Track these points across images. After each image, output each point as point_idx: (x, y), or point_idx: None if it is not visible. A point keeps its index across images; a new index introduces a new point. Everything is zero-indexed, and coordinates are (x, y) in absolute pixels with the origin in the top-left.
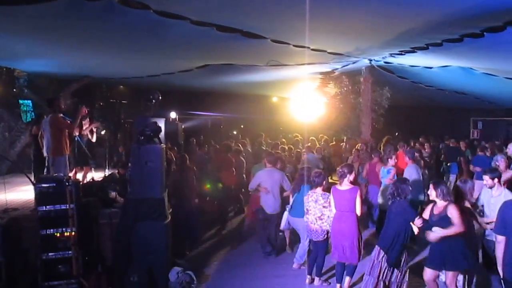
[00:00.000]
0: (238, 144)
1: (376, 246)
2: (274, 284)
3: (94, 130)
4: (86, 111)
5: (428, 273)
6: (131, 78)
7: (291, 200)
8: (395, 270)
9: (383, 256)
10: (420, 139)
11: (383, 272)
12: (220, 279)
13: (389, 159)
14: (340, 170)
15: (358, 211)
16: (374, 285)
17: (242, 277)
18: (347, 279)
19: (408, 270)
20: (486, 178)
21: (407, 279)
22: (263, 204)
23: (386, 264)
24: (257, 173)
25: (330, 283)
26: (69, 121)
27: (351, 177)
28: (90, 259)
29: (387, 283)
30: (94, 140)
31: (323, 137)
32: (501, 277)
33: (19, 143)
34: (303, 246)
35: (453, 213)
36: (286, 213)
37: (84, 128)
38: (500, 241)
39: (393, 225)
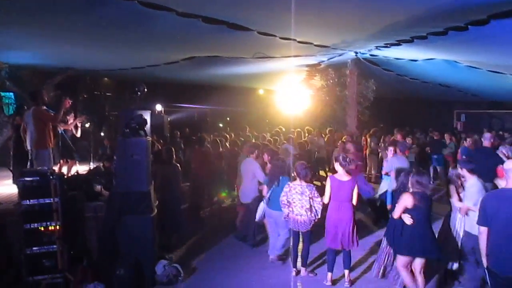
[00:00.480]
0: (215, 137)
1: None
2: (261, 276)
3: (79, 125)
4: (70, 103)
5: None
6: (116, 70)
7: (264, 192)
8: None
9: (386, 244)
10: (395, 131)
11: (387, 258)
12: (207, 271)
13: (387, 152)
14: (347, 159)
15: (355, 201)
16: (379, 269)
17: (229, 269)
18: (346, 273)
19: None
20: (459, 168)
21: None
22: (239, 193)
23: (390, 251)
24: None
25: (316, 274)
26: (52, 114)
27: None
28: (76, 253)
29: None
30: (78, 135)
31: (309, 129)
32: (485, 266)
33: (2, 137)
34: (285, 236)
35: (401, 197)
36: (262, 205)
37: (68, 123)
38: (482, 231)
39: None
